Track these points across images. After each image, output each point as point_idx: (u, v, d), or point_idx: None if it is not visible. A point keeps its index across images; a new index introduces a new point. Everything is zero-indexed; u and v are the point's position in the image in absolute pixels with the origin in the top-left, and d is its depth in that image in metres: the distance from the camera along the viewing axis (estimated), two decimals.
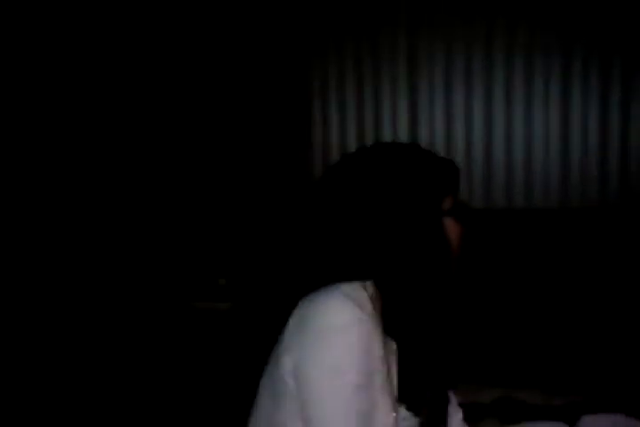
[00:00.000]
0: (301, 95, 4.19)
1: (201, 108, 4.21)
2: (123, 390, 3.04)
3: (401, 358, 1.34)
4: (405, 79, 4.08)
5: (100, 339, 3.42)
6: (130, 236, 3.99)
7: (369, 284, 1.31)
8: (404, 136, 4.08)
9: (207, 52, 4.19)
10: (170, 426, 2.76)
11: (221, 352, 3.15)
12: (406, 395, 1.33)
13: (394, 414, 1.29)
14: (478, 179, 3.98)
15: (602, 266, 3.59)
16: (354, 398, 1.21)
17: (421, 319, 1.33)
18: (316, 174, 4.18)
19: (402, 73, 4.08)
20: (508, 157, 3.96)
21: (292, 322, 1.30)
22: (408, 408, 1.34)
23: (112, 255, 3.91)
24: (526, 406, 2.41)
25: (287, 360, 1.28)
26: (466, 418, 1.66)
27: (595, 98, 3.82)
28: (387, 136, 4.10)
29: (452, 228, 1.39)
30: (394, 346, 1.34)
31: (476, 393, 2.53)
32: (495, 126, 3.97)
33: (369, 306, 1.26)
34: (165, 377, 3.12)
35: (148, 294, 3.72)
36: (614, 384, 2.74)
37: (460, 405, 1.63)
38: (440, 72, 4.02)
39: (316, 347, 1.23)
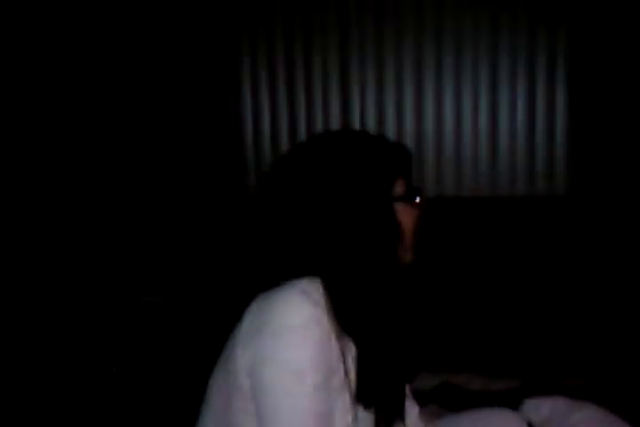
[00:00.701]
0: (231, 79, 4.13)
1: (125, 95, 4.09)
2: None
3: (359, 355, 1.30)
4: (337, 63, 4.06)
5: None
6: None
7: (319, 280, 1.27)
8: (335, 121, 4.07)
9: (134, 34, 4.06)
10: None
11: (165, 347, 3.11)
12: (364, 394, 1.29)
13: (352, 415, 1.27)
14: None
15: (542, 252, 3.67)
16: (312, 400, 1.18)
17: (374, 311, 1.30)
18: (249, 163, 4.14)
19: (333, 55, 4.06)
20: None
21: (248, 319, 1.26)
22: (365, 407, 1.30)
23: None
24: (466, 392, 2.45)
25: (242, 358, 1.24)
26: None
27: (522, 82, 3.88)
28: (319, 122, 4.09)
29: (405, 213, 1.36)
30: (351, 344, 1.30)
31: (415, 380, 2.55)
32: (426, 117, 4.01)
33: (324, 303, 1.23)
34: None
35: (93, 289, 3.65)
36: (552, 368, 2.80)
37: None
38: (372, 55, 4.02)
39: (274, 346, 1.20)
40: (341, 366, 1.25)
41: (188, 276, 3.69)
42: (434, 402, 2.38)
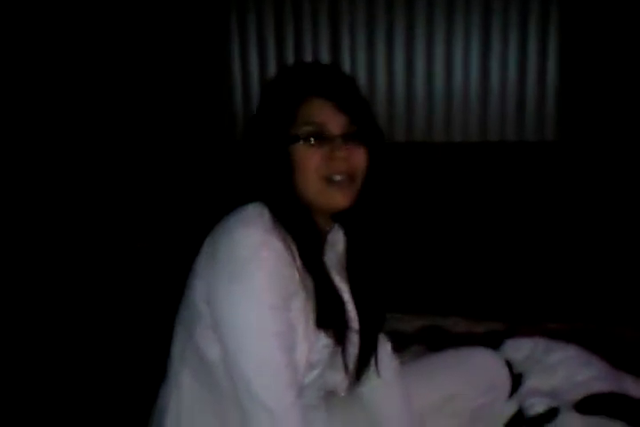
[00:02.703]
0: (220, 32, 4.08)
1: (117, 46, 4.04)
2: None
3: (317, 282, 1.32)
4: (327, 11, 4.01)
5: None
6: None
7: (262, 204, 1.32)
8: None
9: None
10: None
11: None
12: (327, 321, 1.32)
13: (312, 339, 1.30)
14: (400, 113, 3.99)
15: (531, 198, 3.68)
16: (268, 318, 1.21)
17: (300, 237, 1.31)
18: (237, 111, 4.12)
19: (323, 5, 4.01)
20: (428, 92, 3.97)
21: (204, 250, 1.30)
22: (328, 335, 1.33)
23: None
24: (450, 335, 2.48)
25: (199, 286, 1.28)
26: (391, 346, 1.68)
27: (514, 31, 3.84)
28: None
29: (300, 153, 1.32)
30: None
31: (400, 322, 2.58)
32: (416, 61, 3.97)
33: (271, 225, 1.26)
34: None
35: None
36: (536, 312, 2.83)
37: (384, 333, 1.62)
38: (363, 8, 3.97)
39: (227, 275, 1.23)
40: (300, 290, 1.28)
41: (179, 223, 3.71)
42: (419, 343, 2.42)
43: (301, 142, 1.32)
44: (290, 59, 4.08)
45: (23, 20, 3.86)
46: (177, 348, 1.38)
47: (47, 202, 3.81)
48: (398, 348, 2.20)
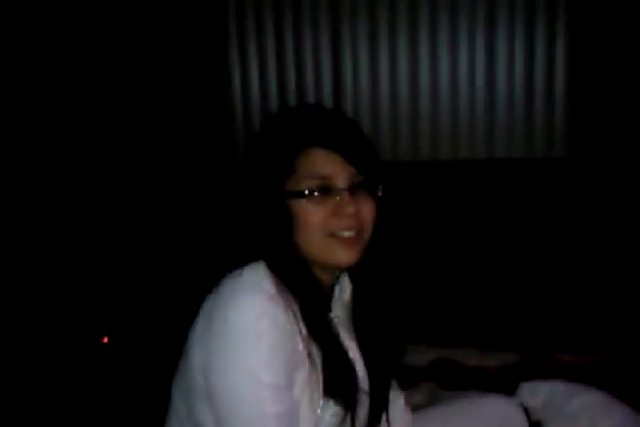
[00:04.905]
0: (219, 44, 4.01)
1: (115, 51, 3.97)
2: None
3: (325, 349, 1.22)
4: (328, 21, 3.92)
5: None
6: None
7: (263, 264, 1.22)
8: (327, 83, 3.95)
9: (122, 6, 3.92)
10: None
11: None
12: (336, 390, 1.22)
13: (319, 411, 1.21)
14: (405, 130, 3.91)
15: (540, 218, 3.59)
16: (267, 399, 1.12)
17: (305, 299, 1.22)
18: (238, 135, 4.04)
19: (324, 12, 3.92)
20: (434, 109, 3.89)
21: (201, 317, 1.20)
22: (337, 403, 1.23)
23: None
24: (463, 369, 2.40)
25: (196, 355, 1.19)
26: (401, 382, 1.60)
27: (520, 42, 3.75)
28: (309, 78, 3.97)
29: (300, 208, 1.22)
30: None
31: (410, 354, 2.50)
32: (420, 76, 3.88)
33: (274, 290, 1.16)
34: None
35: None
36: (548, 341, 2.75)
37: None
38: (364, 20, 3.88)
39: (223, 351, 1.13)
40: (306, 359, 1.18)
41: (179, 252, 3.64)
42: (429, 379, 2.34)
43: (305, 197, 1.22)
44: (290, 70, 3.98)
45: (21, 20, 3.77)
46: (173, 419, 1.29)
47: (47, 231, 3.74)
48: (408, 384, 2.15)
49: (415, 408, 1.65)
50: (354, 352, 1.34)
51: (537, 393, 1.85)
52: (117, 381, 2.68)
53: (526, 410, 1.73)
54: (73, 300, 3.35)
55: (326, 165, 1.23)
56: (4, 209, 3.64)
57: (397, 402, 1.52)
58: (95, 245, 3.72)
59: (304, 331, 1.19)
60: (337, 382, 1.23)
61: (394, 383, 1.51)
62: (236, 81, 4.04)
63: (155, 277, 3.48)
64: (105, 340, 3.07)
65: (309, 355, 1.19)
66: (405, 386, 1.65)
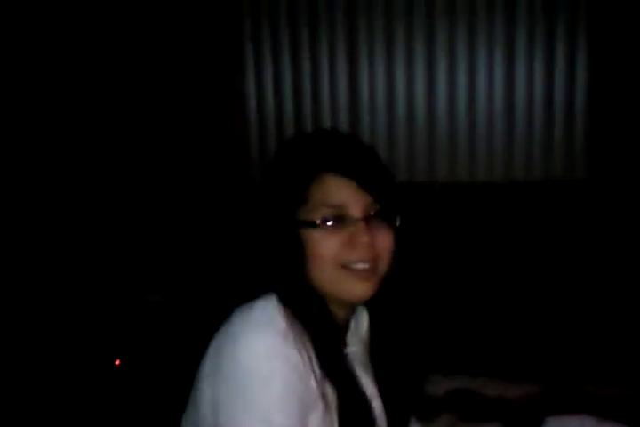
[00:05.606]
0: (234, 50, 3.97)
1: (125, 81, 3.93)
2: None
3: (340, 389, 1.16)
4: (344, 39, 3.87)
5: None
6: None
7: (274, 297, 1.15)
8: (343, 99, 3.90)
9: (136, 14, 3.89)
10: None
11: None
12: None
13: None
14: (421, 151, 3.84)
15: (562, 241, 3.51)
16: None
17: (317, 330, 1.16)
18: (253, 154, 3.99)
19: (340, 30, 3.87)
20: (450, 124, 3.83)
21: (211, 353, 1.14)
22: None
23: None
24: (483, 400, 2.31)
25: (205, 391, 1.12)
26: (419, 414, 1.53)
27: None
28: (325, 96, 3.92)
29: (311, 238, 1.16)
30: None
31: (428, 384, 2.42)
32: (438, 94, 3.83)
33: (286, 326, 1.10)
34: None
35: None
36: (571, 371, 2.67)
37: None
38: (381, 28, 3.83)
39: (235, 388, 1.07)
40: (320, 400, 1.12)
41: (190, 274, 3.58)
42: (447, 410, 2.26)
43: (317, 227, 1.16)
44: (306, 85, 3.93)
45: (22, 21, 3.76)
46: None
47: (57, 249, 3.70)
48: (426, 416, 2.07)
49: None
50: (370, 389, 1.27)
51: None
52: (127, 405, 2.64)
53: None
54: (82, 323, 3.31)
55: (340, 192, 1.17)
56: (15, 222, 3.61)
57: None
58: (107, 267, 3.68)
59: (317, 369, 1.13)
60: (353, 423, 1.16)
61: (412, 419, 1.43)
62: (252, 97, 4.00)
63: (165, 301, 3.42)
64: (117, 362, 3.03)
65: (323, 395, 1.12)
66: (423, 417, 1.57)
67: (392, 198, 1.21)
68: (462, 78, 3.78)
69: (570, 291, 3.37)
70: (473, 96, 3.78)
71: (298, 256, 1.16)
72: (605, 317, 3.17)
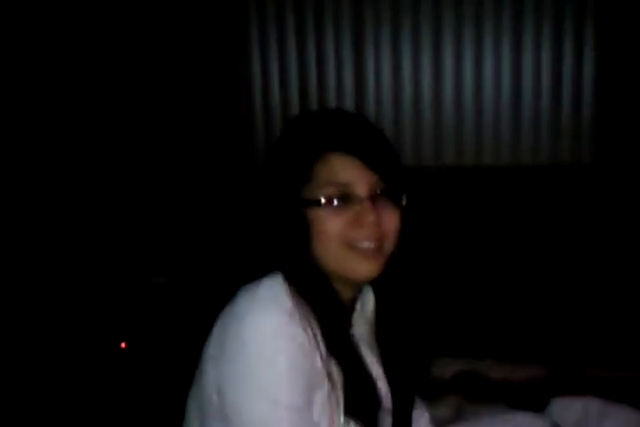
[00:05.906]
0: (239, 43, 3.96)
1: (132, 69, 3.93)
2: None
3: (345, 367, 1.16)
4: (350, 25, 3.86)
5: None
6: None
7: (280, 275, 1.15)
8: (349, 86, 3.89)
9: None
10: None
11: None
12: (357, 409, 1.16)
13: None
14: (428, 136, 3.83)
15: (569, 226, 3.51)
16: (284, 421, 1.05)
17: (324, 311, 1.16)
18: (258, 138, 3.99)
19: (346, 16, 3.85)
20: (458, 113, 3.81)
21: (215, 333, 1.14)
22: (358, 423, 1.17)
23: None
24: (488, 383, 2.32)
25: (210, 373, 1.12)
26: (425, 395, 1.53)
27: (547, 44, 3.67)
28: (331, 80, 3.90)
29: (317, 217, 1.15)
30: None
31: (434, 366, 2.43)
32: (444, 80, 3.81)
33: (291, 304, 1.09)
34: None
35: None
36: (577, 354, 2.67)
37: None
38: (387, 15, 3.81)
39: (240, 367, 1.07)
40: (326, 379, 1.12)
41: (195, 257, 3.59)
42: (454, 392, 2.27)
43: (322, 206, 1.15)
44: (312, 72, 3.93)
45: (24, 21, 3.78)
46: None
47: (62, 232, 3.71)
48: (433, 397, 2.08)
49: (440, 422, 1.59)
50: (376, 369, 1.27)
51: (569, 411, 1.77)
52: (133, 388, 2.64)
53: None
54: (86, 306, 3.32)
55: (346, 171, 1.16)
56: (19, 215, 3.62)
57: (421, 420, 1.46)
58: (111, 250, 3.69)
59: (323, 348, 1.12)
60: (358, 402, 1.16)
61: (417, 400, 1.44)
62: (257, 84, 4.00)
63: (170, 283, 3.43)
64: (123, 345, 3.04)
65: (329, 374, 1.12)
66: (430, 399, 1.58)
67: (398, 177, 1.21)
68: (469, 68, 3.77)
69: (576, 274, 3.37)
70: (480, 84, 3.77)
71: (303, 235, 1.16)
72: (611, 300, 3.17)
